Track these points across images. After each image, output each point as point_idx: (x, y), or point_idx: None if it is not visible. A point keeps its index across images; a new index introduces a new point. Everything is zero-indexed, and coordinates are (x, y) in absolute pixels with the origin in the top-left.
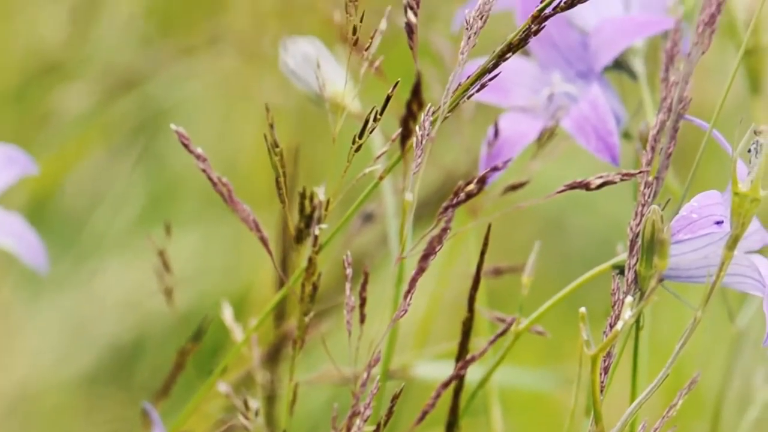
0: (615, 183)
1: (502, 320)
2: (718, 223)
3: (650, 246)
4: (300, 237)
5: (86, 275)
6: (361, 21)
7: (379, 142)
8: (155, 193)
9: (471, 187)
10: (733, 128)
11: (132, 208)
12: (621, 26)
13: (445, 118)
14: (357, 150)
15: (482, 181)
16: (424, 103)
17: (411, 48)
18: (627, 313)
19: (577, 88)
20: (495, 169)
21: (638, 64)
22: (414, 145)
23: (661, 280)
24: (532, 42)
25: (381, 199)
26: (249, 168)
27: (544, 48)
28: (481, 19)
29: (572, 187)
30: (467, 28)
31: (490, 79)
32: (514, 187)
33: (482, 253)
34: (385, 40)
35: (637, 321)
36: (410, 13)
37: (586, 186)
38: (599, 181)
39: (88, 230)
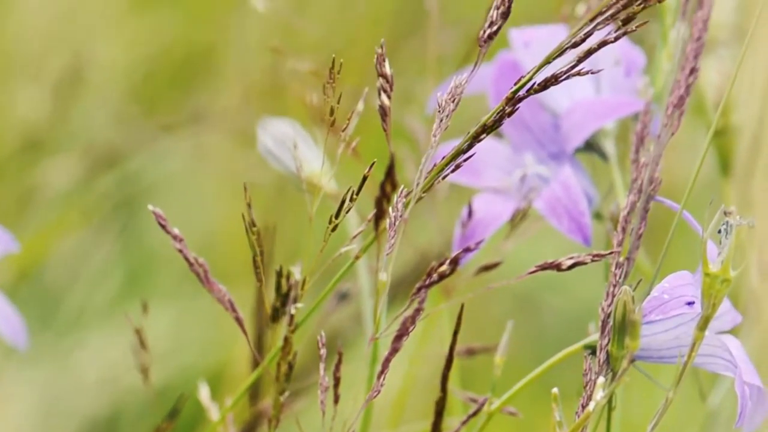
0: (586, 264)
1: (475, 400)
2: (690, 303)
3: (622, 326)
4: (276, 316)
5: (64, 350)
6: (338, 102)
7: (354, 222)
8: (134, 268)
9: (444, 268)
10: (704, 208)
11: (111, 283)
12: (592, 108)
13: (419, 198)
14: (333, 230)
15: (455, 263)
16: (397, 185)
17: (385, 131)
18: (599, 394)
19: (550, 169)
20: (468, 250)
21: (609, 146)
22: (387, 226)
23: (632, 361)
24: (505, 124)
25: (356, 278)
26: (227, 243)
27: (517, 130)
28: (453, 102)
29: (544, 268)
30: (440, 111)
31: (465, 160)
32: (487, 268)
33: (455, 333)
34: (361, 120)
35: (610, 401)
36: (384, 97)
37: (557, 267)
38: (570, 262)
39: (66, 306)
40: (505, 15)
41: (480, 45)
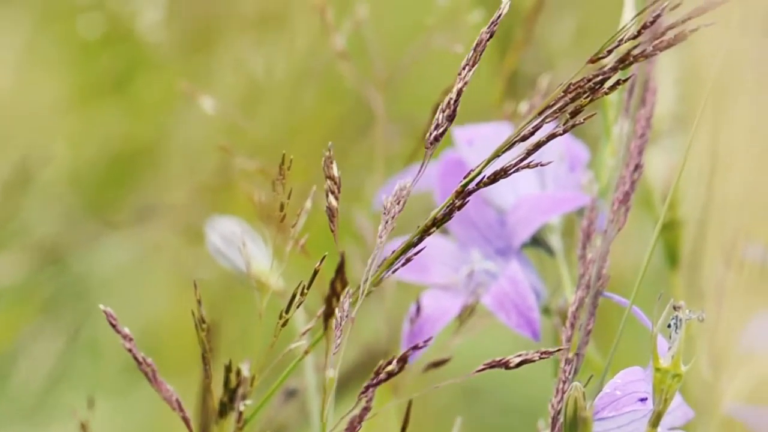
0: (534, 361)
1: None
2: (642, 400)
3: (573, 423)
4: (223, 411)
5: None
6: (288, 198)
7: (302, 319)
8: (79, 361)
9: (392, 366)
10: (653, 302)
11: (55, 376)
12: (537, 204)
13: (369, 293)
14: (284, 325)
15: (403, 361)
16: (347, 283)
17: (333, 231)
18: None
19: (497, 265)
20: (416, 348)
21: (555, 241)
22: (334, 326)
23: None
24: (452, 221)
25: (304, 374)
26: (174, 335)
27: (463, 226)
28: (398, 203)
29: (491, 366)
30: (385, 213)
31: (415, 254)
32: (435, 365)
33: (403, 430)
34: (309, 217)
35: None
36: (332, 198)
37: (505, 365)
38: (518, 360)
39: (5, 397)
40: (451, 118)
41: (426, 147)
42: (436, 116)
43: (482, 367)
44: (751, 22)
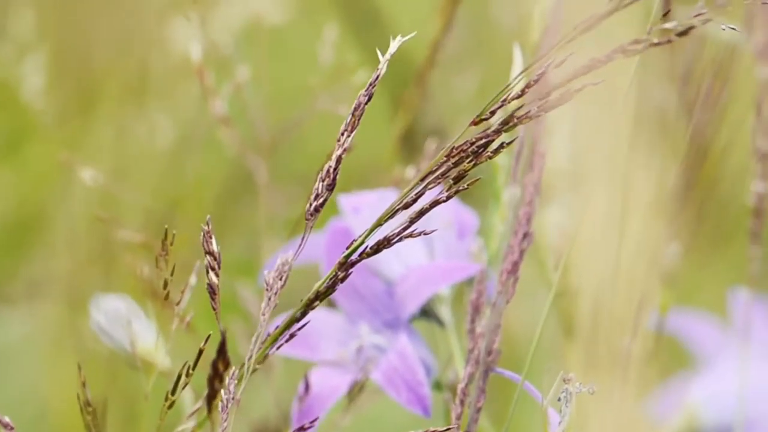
0: None
1: None
2: None
3: None
4: None
5: None
6: (171, 275)
7: (189, 399)
8: None
9: None
10: (546, 373)
11: None
12: (425, 274)
13: (254, 370)
14: (170, 407)
15: None
16: (229, 363)
17: (214, 309)
18: None
19: (386, 338)
20: (302, 429)
21: (445, 312)
22: (220, 408)
23: None
24: (339, 294)
25: None
26: (62, 409)
27: (350, 299)
28: (280, 279)
29: None
30: (267, 290)
31: (299, 329)
32: None
33: None
34: (194, 292)
35: None
36: (212, 274)
37: None
38: None
39: None
40: (331, 187)
41: (307, 219)
42: (315, 186)
43: None
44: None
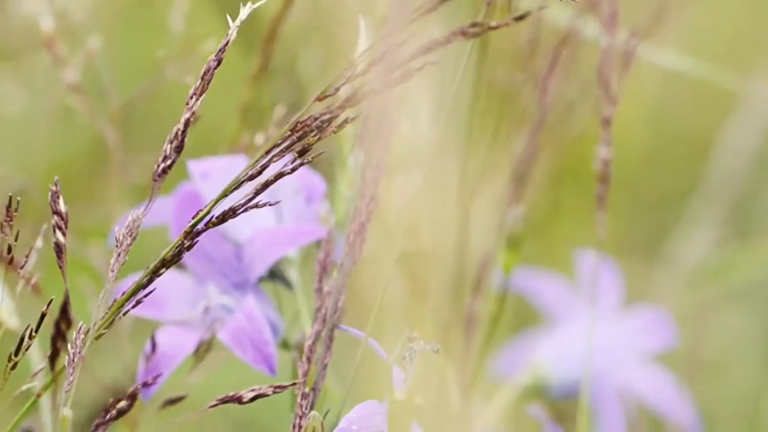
0: (268, 396)
1: None
2: None
3: None
4: None
5: None
6: (16, 240)
7: (37, 358)
8: None
9: (122, 404)
10: (397, 333)
11: None
12: (273, 237)
13: (102, 334)
14: (13, 368)
15: (132, 398)
16: (72, 322)
17: (61, 267)
18: None
19: (234, 299)
20: (146, 385)
21: (293, 274)
22: (66, 363)
23: None
24: (186, 256)
25: (40, 415)
26: None
27: (199, 261)
28: (130, 236)
29: (224, 401)
30: (117, 245)
31: (145, 296)
32: (171, 402)
33: None
34: (47, 256)
35: None
36: (59, 234)
37: (238, 400)
38: (252, 395)
39: None
40: (179, 149)
41: (154, 180)
42: (164, 148)
43: (215, 402)
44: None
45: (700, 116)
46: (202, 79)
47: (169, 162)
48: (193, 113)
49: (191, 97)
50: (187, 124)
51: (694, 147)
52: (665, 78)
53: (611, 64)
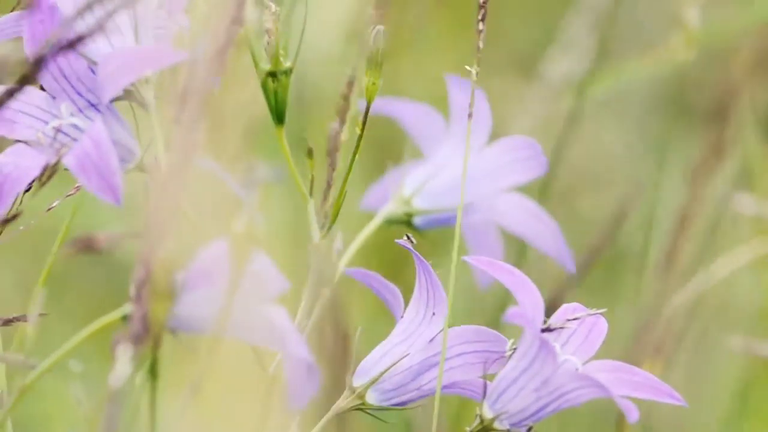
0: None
1: None
2: None
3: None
4: None
5: None
6: None
7: None
8: None
9: None
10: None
11: None
12: (129, 58)
13: None
14: None
15: None
16: None
17: None
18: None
19: (86, 120)
20: None
21: (149, 95)
22: None
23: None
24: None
25: None
26: None
27: (52, 77)
28: None
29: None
30: None
31: None
32: (6, 221)
33: None
34: None
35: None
36: None
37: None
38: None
39: None
40: None
41: None
42: None
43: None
44: None
45: None
46: None
47: None
48: None
49: None
50: None
51: None
52: None
53: None
